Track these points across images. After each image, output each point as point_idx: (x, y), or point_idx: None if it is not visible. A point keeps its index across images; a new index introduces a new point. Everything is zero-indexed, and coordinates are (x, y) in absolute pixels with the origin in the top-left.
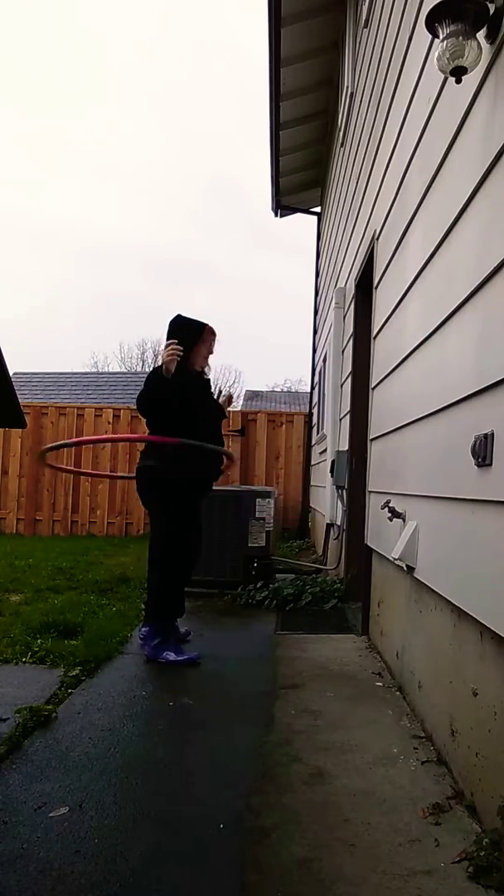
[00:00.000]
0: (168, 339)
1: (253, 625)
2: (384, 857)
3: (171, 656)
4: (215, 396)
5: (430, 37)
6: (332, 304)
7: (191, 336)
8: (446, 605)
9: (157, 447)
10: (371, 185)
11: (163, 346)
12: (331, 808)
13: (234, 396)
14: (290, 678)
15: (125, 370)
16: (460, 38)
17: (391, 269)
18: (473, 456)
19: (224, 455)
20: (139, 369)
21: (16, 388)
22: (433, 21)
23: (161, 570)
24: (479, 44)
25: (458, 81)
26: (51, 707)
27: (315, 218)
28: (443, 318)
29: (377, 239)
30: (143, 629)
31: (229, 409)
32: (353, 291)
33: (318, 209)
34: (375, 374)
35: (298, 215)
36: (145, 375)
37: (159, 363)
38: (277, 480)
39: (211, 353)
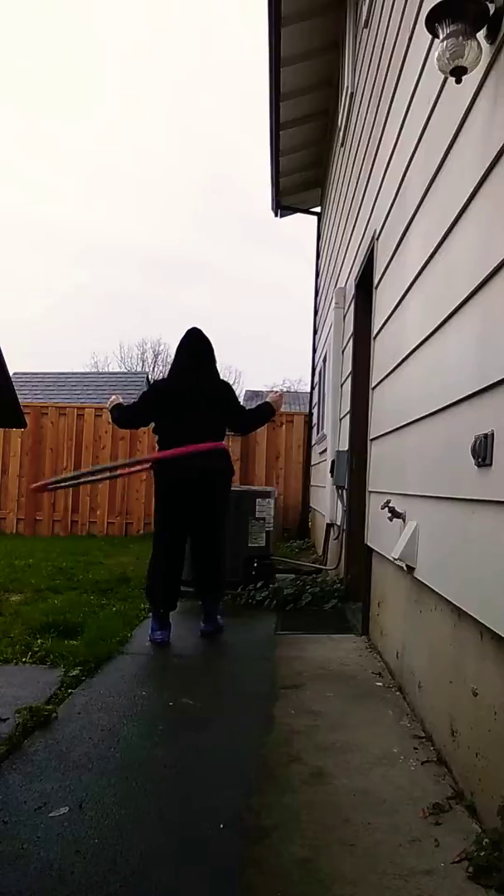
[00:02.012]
0: (204, 352)
1: (253, 625)
2: (384, 857)
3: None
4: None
5: (430, 37)
6: (332, 304)
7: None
8: (446, 605)
9: (226, 452)
10: (371, 185)
11: (276, 393)
12: (331, 808)
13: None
14: (290, 678)
15: (125, 370)
16: (460, 38)
17: (391, 269)
18: (473, 456)
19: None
20: (139, 369)
21: (16, 388)
22: (433, 21)
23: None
24: (479, 44)
25: (458, 81)
26: (51, 707)
27: (315, 218)
28: (443, 318)
29: (377, 239)
30: (158, 634)
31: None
32: (353, 291)
33: (318, 209)
34: (375, 374)
35: (298, 215)
36: (145, 375)
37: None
38: (277, 480)
39: None
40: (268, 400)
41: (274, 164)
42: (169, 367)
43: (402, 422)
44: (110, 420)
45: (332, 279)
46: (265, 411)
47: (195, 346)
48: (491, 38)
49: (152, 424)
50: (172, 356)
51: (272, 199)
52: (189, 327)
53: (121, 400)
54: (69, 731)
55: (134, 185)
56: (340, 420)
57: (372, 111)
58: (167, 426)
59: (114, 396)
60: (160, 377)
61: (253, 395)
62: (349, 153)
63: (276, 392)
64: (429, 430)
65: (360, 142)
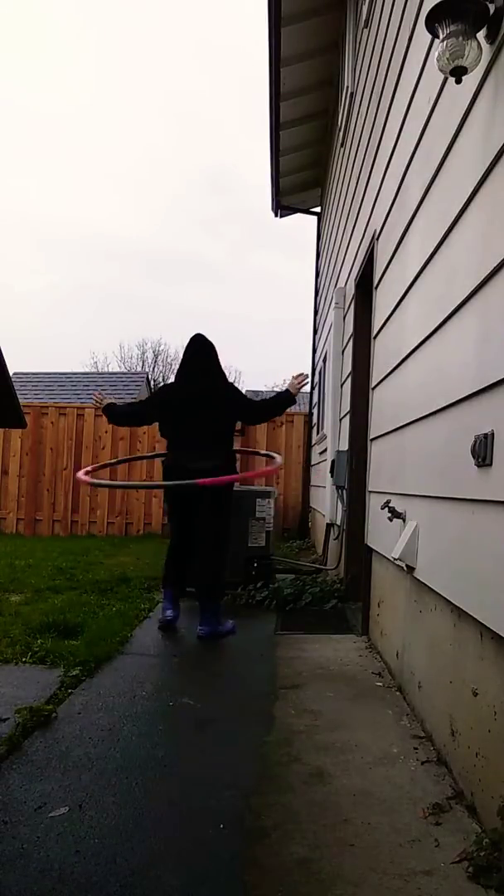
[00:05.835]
0: (207, 357)
1: (253, 625)
2: (384, 857)
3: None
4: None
5: (430, 37)
6: (332, 304)
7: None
8: (446, 605)
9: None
10: (371, 185)
11: (299, 376)
12: (331, 808)
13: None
14: (290, 678)
15: (125, 370)
16: (460, 38)
17: (391, 268)
18: (473, 456)
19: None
20: (139, 369)
21: (16, 388)
22: (433, 21)
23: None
24: (479, 44)
25: (458, 81)
26: (51, 707)
27: (315, 218)
28: (443, 317)
29: (377, 239)
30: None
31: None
32: (353, 291)
33: (318, 209)
34: (375, 374)
35: (298, 215)
36: (145, 375)
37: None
38: (277, 480)
39: None
40: (287, 387)
41: (274, 164)
42: (172, 367)
43: (402, 422)
44: (108, 419)
45: (332, 279)
46: (283, 398)
47: (199, 351)
48: (491, 38)
49: (156, 424)
50: (172, 356)
51: (272, 199)
52: (193, 333)
53: (112, 400)
54: (69, 731)
55: (135, 185)
56: (340, 420)
57: (372, 111)
58: (170, 430)
59: (97, 395)
60: (160, 377)
61: (253, 395)
62: (349, 153)
63: (300, 375)
64: (429, 430)
65: (360, 142)
